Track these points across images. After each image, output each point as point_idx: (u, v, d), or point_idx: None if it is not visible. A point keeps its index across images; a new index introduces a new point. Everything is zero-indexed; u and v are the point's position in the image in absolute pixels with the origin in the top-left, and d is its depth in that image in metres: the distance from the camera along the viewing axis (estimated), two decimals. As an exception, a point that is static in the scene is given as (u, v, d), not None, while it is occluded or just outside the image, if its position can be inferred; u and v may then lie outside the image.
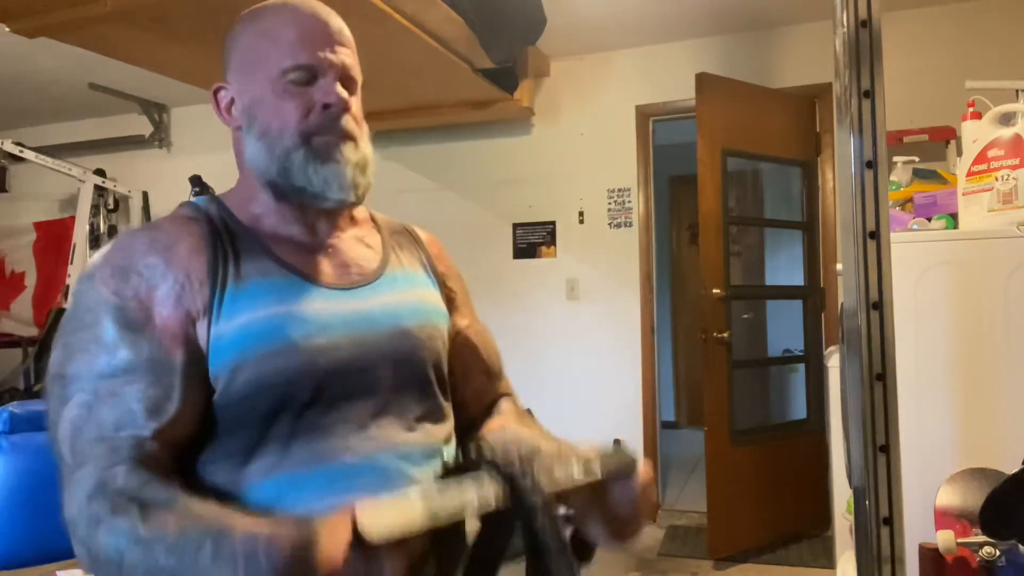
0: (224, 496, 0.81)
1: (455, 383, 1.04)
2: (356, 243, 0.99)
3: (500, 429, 1.01)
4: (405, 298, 0.97)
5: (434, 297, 1.03)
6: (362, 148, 0.95)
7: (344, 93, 0.92)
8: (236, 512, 0.75)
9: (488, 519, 0.79)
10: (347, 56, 0.95)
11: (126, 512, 0.72)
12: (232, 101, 0.96)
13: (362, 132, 0.96)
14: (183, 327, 0.83)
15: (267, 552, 0.67)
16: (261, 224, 0.94)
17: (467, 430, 1.04)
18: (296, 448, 0.83)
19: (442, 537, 0.74)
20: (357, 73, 0.97)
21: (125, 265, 0.84)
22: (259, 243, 0.91)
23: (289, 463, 0.83)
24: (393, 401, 0.90)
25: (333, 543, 0.66)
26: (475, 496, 0.73)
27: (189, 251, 0.87)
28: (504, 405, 1.08)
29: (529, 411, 1.11)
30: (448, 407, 0.99)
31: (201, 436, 0.84)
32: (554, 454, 0.90)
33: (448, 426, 0.98)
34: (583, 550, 0.86)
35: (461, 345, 1.06)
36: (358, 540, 0.66)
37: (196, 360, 0.83)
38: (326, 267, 0.93)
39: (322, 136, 0.91)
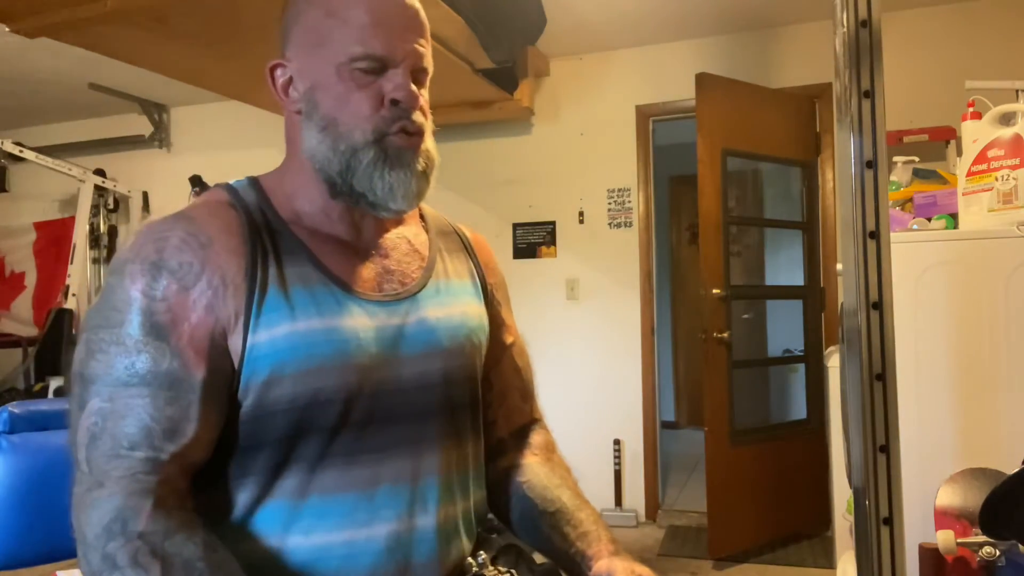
0: (236, 524, 0.80)
1: (490, 400, 1.00)
2: (402, 244, 0.94)
3: (527, 490, 0.97)
4: (447, 313, 0.92)
5: (478, 311, 0.97)
6: (429, 149, 0.90)
7: (414, 88, 0.86)
8: None
9: None
10: (421, 46, 0.87)
11: (147, 572, 0.70)
12: (290, 81, 0.88)
13: (428, 127, 0.90)
14: (209, 338, 0.78)
15: None
16: (303, 220, 0.88)
17: (494, 455, 1.01)
18: (320, 473, 0.80)
19: None
20: (429, 63, 0.89)
21: (157, 260, 0.79)
22: (301, 244, 0.85)
23: (311, 489, 0.80)
24: (424, 426, 0.86)
25: None
26: None
27: (226, 250, 0.81)
28: (535, 440, 1.04)
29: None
30: (479, 428, 0.96)
31: (218, 454, 0.81)
32: (580, 533, 0.91)
33: (478, 451, 0.95)
34: None
35: (505, 363, 1.03)
36: None
37: (219, 377, 0.79)
38: (368, 274, 0.88)
39: (394, 138, 0.85)
